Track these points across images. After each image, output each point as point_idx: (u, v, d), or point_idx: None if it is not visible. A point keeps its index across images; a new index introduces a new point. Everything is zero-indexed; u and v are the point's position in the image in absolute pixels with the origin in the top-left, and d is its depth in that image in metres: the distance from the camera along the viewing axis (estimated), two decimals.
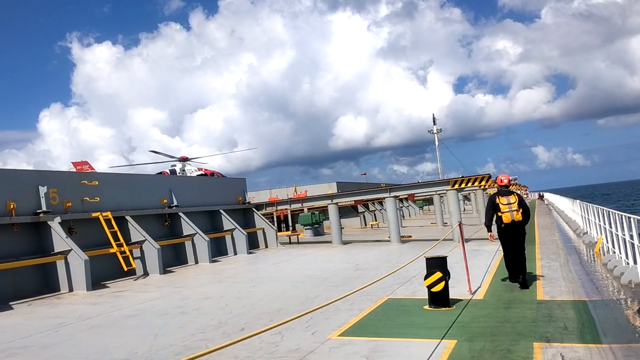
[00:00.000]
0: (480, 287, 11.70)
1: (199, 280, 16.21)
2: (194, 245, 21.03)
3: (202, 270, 18.65)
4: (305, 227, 33.84)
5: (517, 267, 11.68)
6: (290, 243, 28.52)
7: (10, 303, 13.48)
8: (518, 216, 11.64)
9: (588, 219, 20.23)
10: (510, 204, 11.67)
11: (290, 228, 35.75)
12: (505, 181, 12.32)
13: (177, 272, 18.49)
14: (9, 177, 15.50)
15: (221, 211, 24.26)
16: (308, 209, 33.20)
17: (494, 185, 29.26)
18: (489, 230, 12.23)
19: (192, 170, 47.88)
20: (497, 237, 12.27)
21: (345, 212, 40.46)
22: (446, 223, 34.57)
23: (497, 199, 11.80)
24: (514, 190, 12.90)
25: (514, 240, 11.81)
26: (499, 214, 11.77)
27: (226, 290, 13.91)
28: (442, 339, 7.75)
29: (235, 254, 23.46)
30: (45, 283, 15.43)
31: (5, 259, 14.48)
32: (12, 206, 14.95)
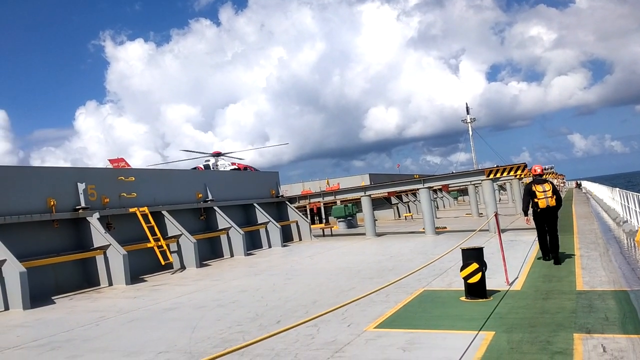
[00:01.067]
0: (517, 278, 11.54)
1: (235, 273, 16.37)
2: (229, 238, 21.26)
3: (238, 263, 18.83)
4: (339, 220, 33.87)
5: (551, 245, 13.19)
6: (323, 235, 28.58)
7: (53, 297, 13.85)
8: (552, 202, 13.07)
9: (628, 207, 19.75)
10: (545, 191, 13.12)
11: (324, 221, 35.82)
12: (539, 170, 14.02)
13: (213, 266, 18.72)
14: (50, 175, 15.89)
15: (255, 205, 24.46)
16: (341, 201, 33.20)
17: (529, 174, 30.31)
18: (526, 215, 13.64)
19: (225, 164, 48.36)
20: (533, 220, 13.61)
21: (379, 204, 40.34)
22: (481, 213, 34.19)
23: (533, 187, 13.25)
24: (548, 179, 14.32)
25: (548, 223, 13.28)
26: (535, 200, 13.20)
27: (262, 283, 14.02)
28: (479, 330, 7.67)
29: (270, 247, 23.64)
30: (85, 278, 15.80)
31: (46, 255, 14.87)
32: (52, 203, 15.33)
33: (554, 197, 13.13)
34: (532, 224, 13.73)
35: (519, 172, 23.33)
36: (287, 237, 25.76)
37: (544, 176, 14.29)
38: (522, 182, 35.80)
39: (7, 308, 12.70)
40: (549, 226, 13.32)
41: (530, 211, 13.43)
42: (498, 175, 23.31)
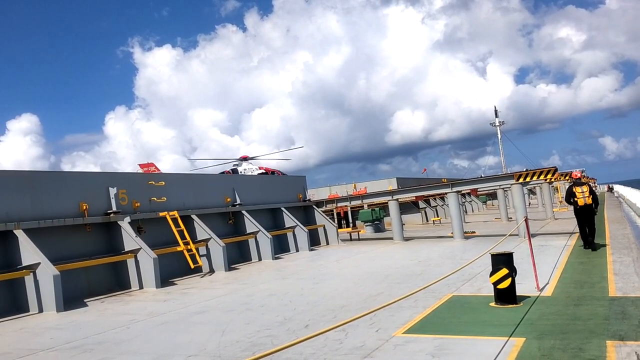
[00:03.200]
0: (548, 283, 11.39)
1: (263, 277, 16.46)
2: (257, 242, 21.39)
3: (266, 267, 18.93)
4: (366, 224, 33.80)
5: (589, 234, 16.39)
6: (350, 240, 28.55)
7: (85, 300, 14.10)
8: (589, 200, 16.46)
9: None
10: (583, 192, 16.54)
11: (351, 225, 35.79)
12: (578, 175, 17.73)
13: (242, 269, 18.85)
14: (82, 180, 16.20)
15: (282, 209, 24.56)
16: (368, 205, 33.14)
17: (560, 178, 35.16)
18: (569, 204, 17.22)
19: (253, 169, 48.63)
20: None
21: (406, 208, 40.13)
22: (511, 218, 33.77)
23: (574, 189, 16.77)
24: (586, 182, 17.62)
25: (586, 217, 16.54)
26: (575, 199, 16.62)
27: (289, 287, 14.08)
28: (510, 336, 7.60)
29: (297, 250, 23.71)
30: (116, 281, 16.04)
31: (79, 258, 15.16)
32: (85, 207, 15.62)
33: (590, 196, 16.46)
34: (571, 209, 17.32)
35: (549, 176, 22.99)
36: (314, 241, 25.80)
37: (582, 180, 17.59)
38: (552, 186, 35.31)
39: (41, 310, 12.97)
40: (587, 220, 16.48)
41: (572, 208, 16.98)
42: (528, 179, 23.00)
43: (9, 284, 13.34)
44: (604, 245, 16.48)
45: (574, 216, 17.07)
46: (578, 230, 17.44)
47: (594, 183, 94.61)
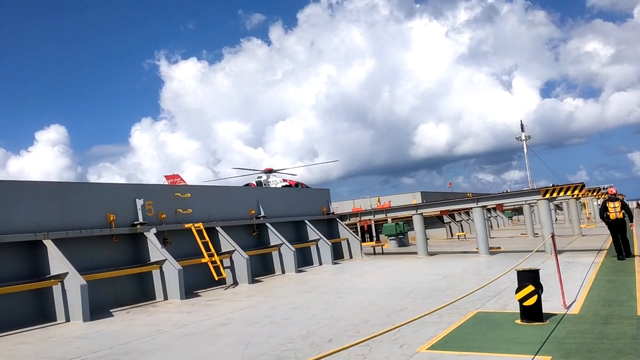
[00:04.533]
0: (575, 301, 11.22)
1: (286, 290, 16.49)
2: (280, 255, 21.45)
3: (289, 280, 18.96)
4: (390, 238, 33.64)
5: (623, 246, 17.93)
6: (374, 254, 28.45)
7: (111, 310, 14.27)
8: (620, 215, 18.17)
9: None
10: (615, 207, 18.25)
11: (374, 238, 35.67)
12: (614, 191, 19.34)
13: (265, 282, 18.90)
14: (110, 191, 16.48)
15: (306, 221, 24.61)
16: (392, 219, 33.01)
17: (587, 194, 36.21)
18: (602, 219, 18.90)
19: (277, 181, 48.80)
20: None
21: (431, 222, 39.88)
22: (537, 234, 33.34)
23: (607, 204, 18.49)
24: (619, 197, 19.35)
25: (619, 230, 18.21)
26: (608, 213, 18.30)
27: (313, 300, 14.08)
28: (535, 354, 7.51)
29: (321, 264, 23.69)
30: (142, 291, 16.22)
31: (106, 269, 15.38)
32: (112, 218, 15.87)
33: (622, 211, 18.22)
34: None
35: (576, 192, 22.68)
36: (337, 254, 25.77)
37: (616, 195, 19.23)
38: (580, 202, 34.81)
39: (68, 320, 13.18)
40: (620, 233, 18.12)
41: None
42: (554, 195, 22.72)
43: (38, 293, 13.60)
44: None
45: (608, 231, 19.03)
46: (606, 247, 19.41)
47: (624, 199, 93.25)
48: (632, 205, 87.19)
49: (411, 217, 26.59)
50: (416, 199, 40.80)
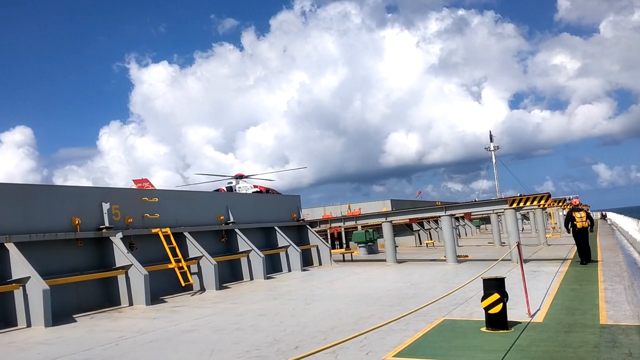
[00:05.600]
0: (539, 309, 11.37)
1: (254, 297, 16.37)
2: (249, 261, 21.30)
3: (257, 287, 18.84)
4: (359, 245, 33.72)
5: (585, 253, 19.47)
6: (344, 261, 28.47)
7: (74, 316, 13.98)
8: (586, 224, 19.86)
9: None
10: (581, 217, 19.89)
11: (344, 246, 35.71)
12: (577, 202, 21.94)
13: (233, 288, 18.75)
14: (75, 194, 16.16)
15: (276, 228, 24.51)
16: (362, 226, 33.10)
17: (553, 204, 36.12)
18: (568, 231, 20.61)
19: (247, 187, 48.50)
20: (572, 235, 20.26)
21: (400, 230, 40.12)
22: (504, 243, 33.77)
23: (573, 214, 20.11)
24: (583, 208, 20.98)
25: (583, 238, 19.70)
26: (574, 222, 19.91)
27: (281, 307, 14.00)
28: None
29: (290, 270, 23.61)
30: (106, 297, 15.94)
31: (70, 273, 15.07)
32: (77, 222, 15.58)
33: (587, 221, 19.93)
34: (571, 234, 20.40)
35: (542, 201, 23.06)
36: (307, 261, 25.71)
37: (580, 206, 21.18)
38: (546, 212, 35.40)
39: (29, 325, 12.87)
40: (584, 240, 19.69)
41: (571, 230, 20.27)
42: (521, 204, 23.07)
43: None
44: (597, 261, 19.70)
45: (573, 239, 20.40)
46: (571, 257, 20.88)
47: (587, 210, 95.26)
48: (597, 216, 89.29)
49: (381, 224, 26.71)
50: (386, 206, 41.04)
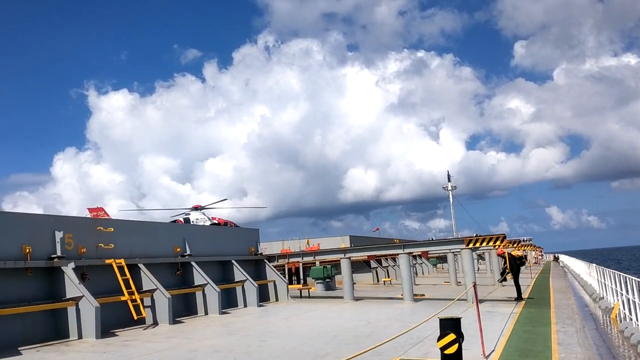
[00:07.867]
0: (494, 350, 11.47)
1: (208, 332, 16.05)
2: (204, 295, 20.91)
3: (212, 322, 18.48)
4: (317, 281, 33.51)
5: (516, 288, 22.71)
6: (301, 297, 28.24)
7: (19, 348, 13.43)
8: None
9: (605, 283, 19.91)
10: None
11: (302, 281, 35.48)
12: (501, 252, 24.71)
13: (187, 323, 18.34)
14: (27, 221, 15.69)
15: (233, 262, 24.20)
16: (320, 262, 32.99)
17: (508, 245, 34.81)
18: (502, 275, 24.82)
19: (205, 218, 47.94)
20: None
21: (358, 267, 40.08)
22: (460, 282, 34.13)
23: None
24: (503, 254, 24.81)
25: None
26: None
27: (235, 343, 13.75)
28: None
29: (246, 306, 23.25)
30: (55, 329, 15.37)
31: (16, 304, 14.50)
32: (27, 250, 15.07)
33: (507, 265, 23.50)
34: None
35: (497, 242, 23.48)
36: (263, 296, 25.39)
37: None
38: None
39: None
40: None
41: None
42: (477, 244, 23.44)
43: None
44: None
45: (527, 282, 23.76)
46: (525, 298, 23.03)
47: (541, 252, 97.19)
48: (549, 257, 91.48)
49: (339, 260, 26.67)
50: (345, 242, 41.07)
